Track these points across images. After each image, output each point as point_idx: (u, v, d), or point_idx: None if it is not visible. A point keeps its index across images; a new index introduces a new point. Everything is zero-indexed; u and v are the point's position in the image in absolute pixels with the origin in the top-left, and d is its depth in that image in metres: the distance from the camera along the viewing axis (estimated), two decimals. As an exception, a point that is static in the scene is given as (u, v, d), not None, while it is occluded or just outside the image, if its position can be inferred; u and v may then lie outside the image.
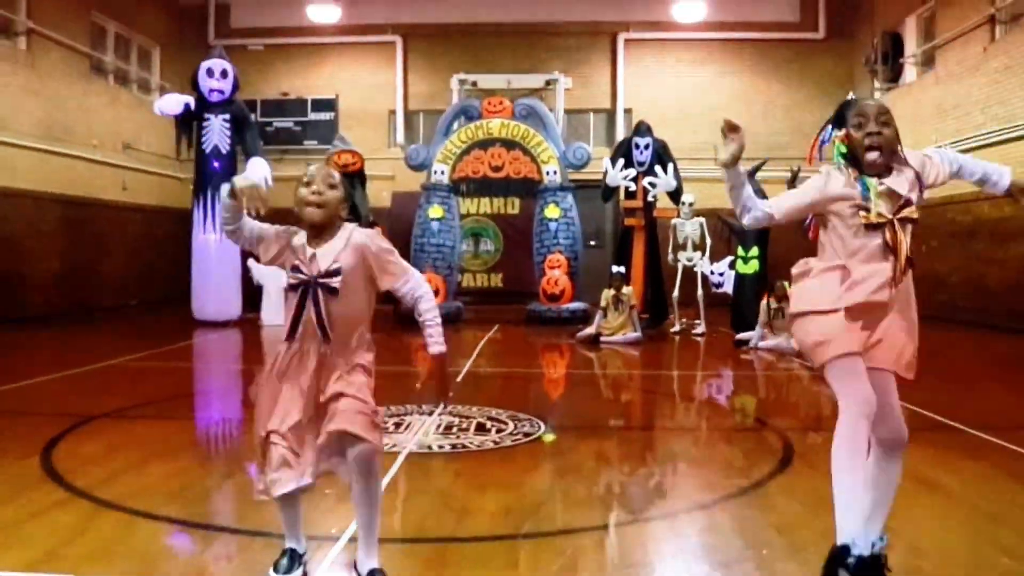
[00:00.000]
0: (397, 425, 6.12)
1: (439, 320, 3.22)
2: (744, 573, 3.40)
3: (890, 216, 3.09)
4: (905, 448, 3.15)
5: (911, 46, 16.89)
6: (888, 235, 3.08)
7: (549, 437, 5.93)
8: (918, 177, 3.17)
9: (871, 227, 3.09)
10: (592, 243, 17.00)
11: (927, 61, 16.27)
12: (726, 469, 5.17)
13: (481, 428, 6.02)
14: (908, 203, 3.13)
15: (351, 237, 3.17)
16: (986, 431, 5.75)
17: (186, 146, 14.26)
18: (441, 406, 6.49)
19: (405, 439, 5.66)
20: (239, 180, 3.14)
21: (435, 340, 3.20)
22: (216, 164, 14.05)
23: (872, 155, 3.11)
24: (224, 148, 14.07)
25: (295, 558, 3.23)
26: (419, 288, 3.22)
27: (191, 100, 13.90)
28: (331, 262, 3.11)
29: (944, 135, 14.72)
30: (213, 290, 13.93)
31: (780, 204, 3.29)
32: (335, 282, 3.10)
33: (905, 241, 3.10)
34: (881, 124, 3.11)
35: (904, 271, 3.12)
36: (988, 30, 13.92)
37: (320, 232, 3.18)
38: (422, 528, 4.03)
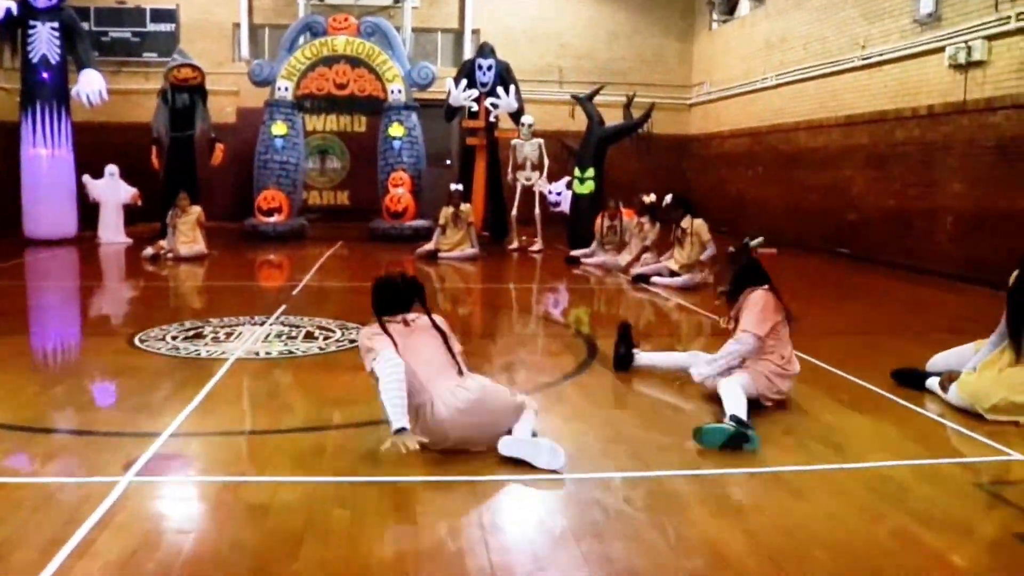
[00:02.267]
0: (228, 334, 6.36)
1: (388, 399, 3.52)
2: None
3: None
4: None
5: (745, -21, 17.65)
6: None
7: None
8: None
9: None
10: (448, 163, 17.25)
11: (759, -5, 17.08)
12: (535, 369, 5.69)
13: (310, 336, 6.33)
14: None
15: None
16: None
17: (10, 54, 13.57)
18: None
19: (234, 347, 5.92)
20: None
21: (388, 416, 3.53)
22: (45, 75, 13.47)
23: None
24: (53, 58, 13.49)
25: None
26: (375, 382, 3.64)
27: (13, 5, 13.18)
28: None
29: (770, 67, 15.62)
30: (45, 208, 13.46)
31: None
32: None
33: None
34: None
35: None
36: (811, -32, 14.75)
37: None
38: (240, 423, 4.36)
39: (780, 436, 4.18)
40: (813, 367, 5.51)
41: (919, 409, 4.69)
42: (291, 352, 5.84)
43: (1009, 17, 9.82)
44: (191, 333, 6.42)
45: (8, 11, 13.13)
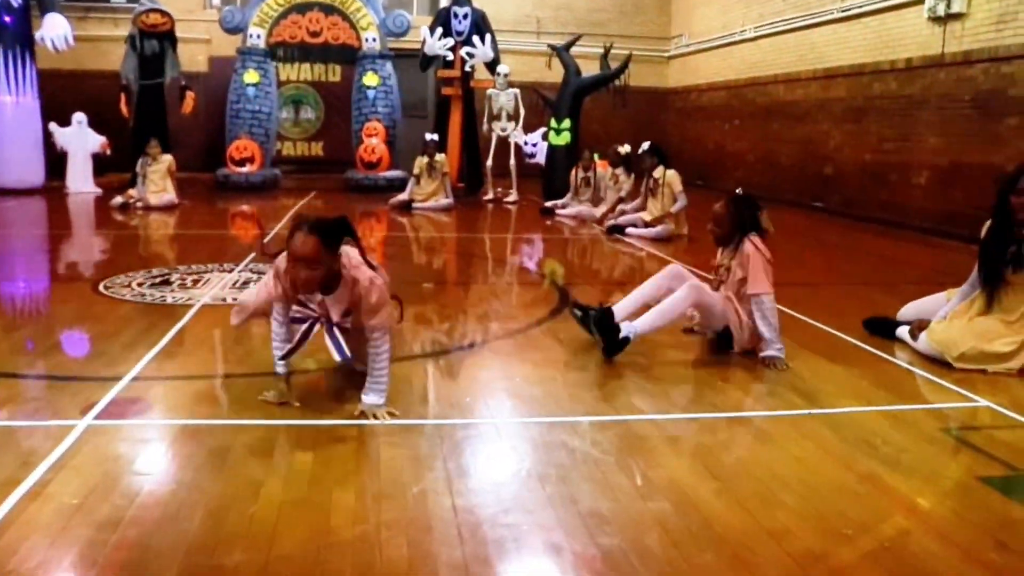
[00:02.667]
0: (196, 281, 6.25)
1: (385, 372, 3.50)
2: (498, 395, 3.87)
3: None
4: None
5: (726, -71, 17.39)
6: None
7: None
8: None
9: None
10: (423, 115, 17.02)
11: (739, -56, 16.83)
12: (506, 318, 5.64)
13: (279, 284, 6.22)
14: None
15: (354, 290, 3.44)
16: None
17: (-30, -4, 13.16)
18: None
19: (201, 293, 5.83)
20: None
21: (371, 388, 3.50)
22: (7, 18, 13.07)
23: None
24: (15, 1, 13.09)
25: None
26: (381, 344, 3.48)
27: (-27, -55, 12.79)
28: (342, 311, 3.51)
29: (749, 19, 15.47)
30: (11, 156, 13.14)
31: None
32: (348, 323, 3.57)
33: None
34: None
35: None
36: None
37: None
38: (204, 367, 4.28)
39: (751, 383, 4.17)
40: (787, 317, 5.48)
41: (889, 357, 4.69)
42: (259, 299, 5.74)
43: (989, -32, 9.74)
44: (158, 280, 6.31)
45: (-32, -49, 12.73)
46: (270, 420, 3.45)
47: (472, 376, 4.25)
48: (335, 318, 3.52)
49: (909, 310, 5.20)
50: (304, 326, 3.56)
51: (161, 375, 4.06)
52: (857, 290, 6.86)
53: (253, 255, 7.37)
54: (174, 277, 6.43)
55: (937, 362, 4.51)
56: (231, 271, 6.68)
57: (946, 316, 4.77)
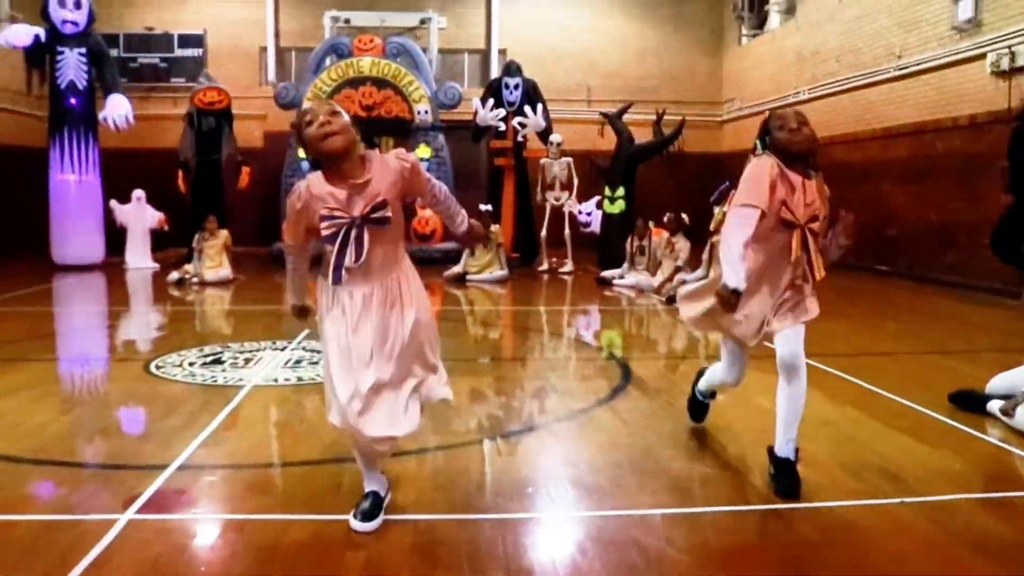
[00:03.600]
0: (248, 360, 6.13)
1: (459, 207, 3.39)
2: (562, 484, 3.62)
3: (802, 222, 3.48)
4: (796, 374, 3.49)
5: (775, -7, 17.35)
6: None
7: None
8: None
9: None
10: (477, 186, 17.00)
11: (789, 9, 16.75)
12: (566, 395, 5.39)
13: (331, 362, 6.06)
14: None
15: (385, 164, 3.06)
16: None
17: (38, 81, 13.57)
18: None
19: (252, 373, 5.69)
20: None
21: (464, 218, 3.38)
22: (73, 100, 13.45)
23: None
24: (81, 84, 13.47)
25: (377, 502, 3.17)
26: (441, 190, 3.29)
27: (41, 32, 13.22)
28: (369, 203, 2.99)
29: (802, 81, 15.29)
30: (73, 233, 13.41)
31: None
32: (385, 213, 3.01)
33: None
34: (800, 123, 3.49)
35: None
36: (843, -21, 14.44)
37: (342, 165, 3.01)
38: (253, 455, 4.10)
39: (834, 468, 3.85)
40: (862, 391, 5.18)
41: (982, 435, 4.34)
42: (311, 379, 5.59)
43: (1054, 21, 9.46)
44: (210, 359, 6.20)
45: (36, 38, 13.16)
46: (320, 515, 3.24)
47: (533, 463, 4.01)
48: (359, 211, 2.99)
49: (998, 382, 4.84)
50: (339, 239, 3.00)
51: (209, 463, 3.88)
52: (938, 359, 6.49)
53: (307, 332, 7.25)
54: (226, 356, 6.32)
55: (1036, 441, 4.16)
56: (283, 349, 6.55)
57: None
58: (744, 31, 18.21)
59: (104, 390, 5.72)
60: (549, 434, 4.50)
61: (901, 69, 12.25)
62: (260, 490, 3.62)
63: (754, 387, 4.70)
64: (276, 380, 5.55)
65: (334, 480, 3.63)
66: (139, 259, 13.61)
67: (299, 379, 5.58)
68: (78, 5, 13.29)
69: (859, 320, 8.47)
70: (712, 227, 8.96)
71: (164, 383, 5.50)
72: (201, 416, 4.61)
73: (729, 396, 4.68)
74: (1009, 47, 9.99)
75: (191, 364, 6.02)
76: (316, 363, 6.03)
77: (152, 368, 5.92)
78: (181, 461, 3.85)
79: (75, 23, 13.28)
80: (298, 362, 6.11)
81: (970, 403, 4.78)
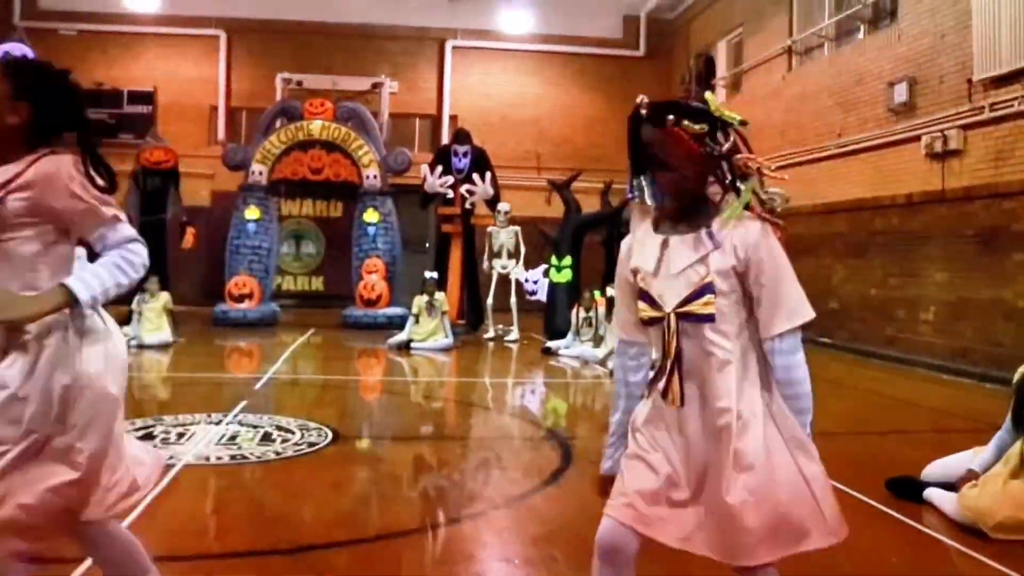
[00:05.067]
0: (180, 435, 5.96)
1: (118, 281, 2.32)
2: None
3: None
4: None
5: (722, 68, 17.83)
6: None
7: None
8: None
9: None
10: (427, 245, 16.98)
11: (735, 84, 17.22)
12: (504, 482, 5.31)
13: (267, 438, 5.93)
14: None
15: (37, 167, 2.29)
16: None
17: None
18: None
19: (185, 450, 5.52)
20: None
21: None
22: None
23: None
24: (22, 141, 13.23)
25: None
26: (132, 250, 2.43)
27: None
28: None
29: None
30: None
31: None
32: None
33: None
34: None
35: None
36: (786, 60, 14.89)
37: None
38: (175, 547, 3.94)
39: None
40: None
41: (918, 525, 4.35)
42: (244, 457, 5.44)
43: (983, 107, 9.80)
44: (141, 434, 6.01)
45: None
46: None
47: (469, 557, 3.91)
48: None
49: (935, 469, 4.88)
50: None
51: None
52: (875, 441, 6.54)
53: (244, 403, 7.09)
54: (158, 430, 6.14)
55: (971, 531, 4.18)
56: (219, 423, 6.38)
57: (980, 469, 4.46)
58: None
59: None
60: (486, 524, 4.40)
61: (841, 147, 12.59)
62: (182, 586, 3.48)
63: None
64: (208, 459, 5.38)
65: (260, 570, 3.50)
66: (76, 320, 13.27)
67: (232, 457, 5.43)
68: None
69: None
70: None
71: (90, 461, 5.30)
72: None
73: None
74: (942, 131, 10.32)
75: (121, 440, 5.81)
76: (252, 439, 5.88)
77: (79, 444, 5.70)
78: (90, 563, 3.67)
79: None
80: (232, 438, 5.95)
81: (908, 490, 4.80)
